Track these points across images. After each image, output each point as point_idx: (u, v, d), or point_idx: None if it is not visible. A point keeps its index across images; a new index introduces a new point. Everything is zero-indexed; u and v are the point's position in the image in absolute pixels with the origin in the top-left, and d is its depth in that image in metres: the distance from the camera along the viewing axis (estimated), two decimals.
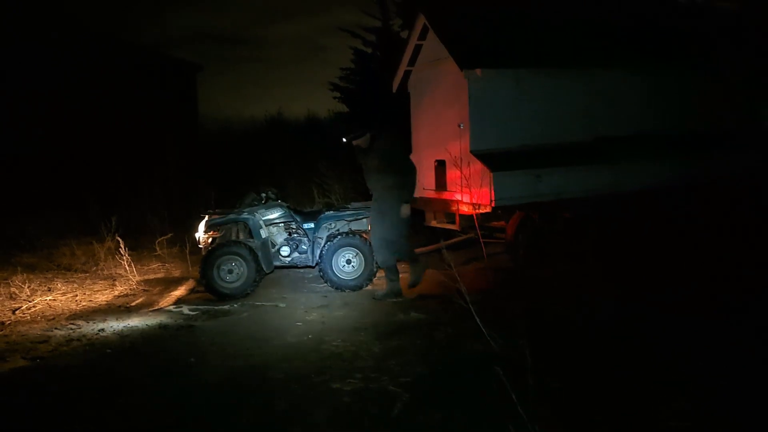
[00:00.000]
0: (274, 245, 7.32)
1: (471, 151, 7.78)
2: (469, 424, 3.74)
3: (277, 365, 4.91)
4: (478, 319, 4.96)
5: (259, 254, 7.04)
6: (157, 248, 9.37)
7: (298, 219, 7.36)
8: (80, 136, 15.23)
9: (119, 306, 6.94)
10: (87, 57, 16.32)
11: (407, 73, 9.16)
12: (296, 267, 7.60)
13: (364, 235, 7.26)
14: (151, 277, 8.34)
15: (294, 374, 4.68)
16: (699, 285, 6.22)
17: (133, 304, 6.99)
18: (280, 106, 19.27)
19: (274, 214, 7.32)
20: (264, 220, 7.26)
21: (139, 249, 9.74)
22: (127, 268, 7.90)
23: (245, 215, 7.21)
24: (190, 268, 8.46)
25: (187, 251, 8.86)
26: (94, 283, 8.02)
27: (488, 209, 7.60)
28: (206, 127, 18.10)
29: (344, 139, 7.11)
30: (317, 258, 7.22)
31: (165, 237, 9.38)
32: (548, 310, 5.95)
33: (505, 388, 3.73)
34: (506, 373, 3.83)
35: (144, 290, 7.63)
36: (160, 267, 8.94)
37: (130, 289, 7.62)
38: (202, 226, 7.25)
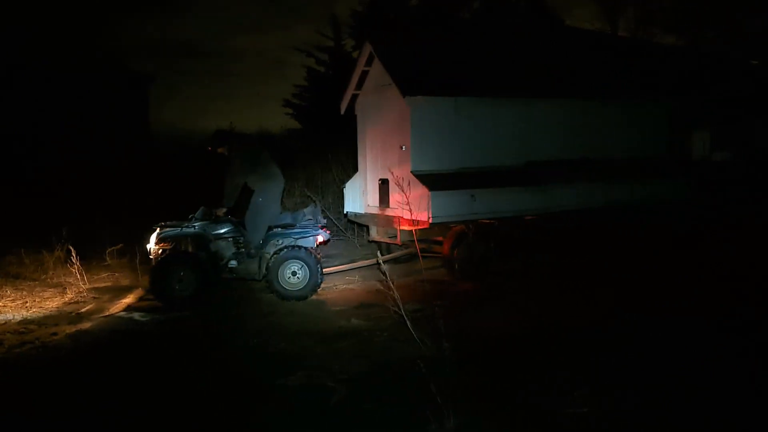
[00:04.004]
0: (222, 258, 7.68)
1: (412, 172, 8.38)
2: (396, 413, 4.25)
3: (225, 365, 5.32)
4: (410, 326, 5.50)
5: (208, 266, 7.41)
6: (107, 258, 9.58)
7: (247, 234, 7.75)
8: (27, 149, 15.17)
9: (70, 312, 7.17)
10: (31, 68, 16.28)
11: (354, 96, 9.73)
12: (244, 279, 7.97)
13: (310, 249, 7.72)
14: (101, 285, 8.56)
15: (241, 372, 5.12)
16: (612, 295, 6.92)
17: (84, 310, 7.24)
18: (232, 121, 19.47)
19: (224, 229, 7.70)
20: (214, 234, 7.63)
21: (88, 259, 9.88)
22: (78, 276, 8.11)
23: (195, 229, 7.56)
24: (140, 278, 8.72)
25: (137, 261, 9.09)
26: (43, 291, 8.20)
27: (426, 225, 8.20)
28: (159, 138, 18.22)
29: (209, 148, 7.97)
30: (264, 271, 7.62)
31: (115, 247, 9.59)
32: (475, 318, 6.53)
33: (429, 383, 4.27)
34: (432, 371, 4.38)
35: (94, 298, 7.86)
36: (110, 276, 9.16)
37: (80, 297, 7.84)
38: (153, 237, 7.57)
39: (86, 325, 6.61)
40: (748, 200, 11.95)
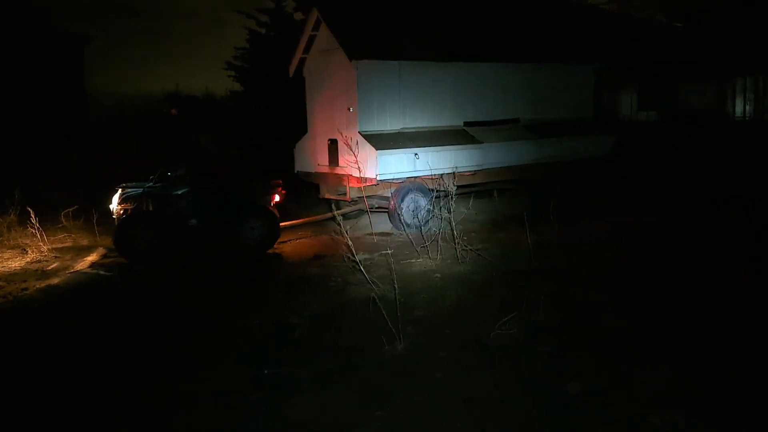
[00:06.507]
0: (183, 216, 8.08)
1: (359, 132, 8.94)
2: (354, 340, 4.92)
3: (192, 309, 5.88)
4: (363, 271, 6.15)
5: (169, 224, 7.83)
6: (63, 220, 9.78)
7: (207, 194, 8.17)
8: None
9: (35, 270, 7.48)
10: None
11: (302, 60, 10.13)
12: (205, 235, 8.39)
13: (270, 207, 8.23)
14: (60, 246, 8.81)
15: (211, 313, 5.68)
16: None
17: (50, 268, 7.55)
18: (178, 83, 19.31)
19: (184, 189, 8.09)
20: (174, 194, 8.02)
21: (43, 222, 10.02)
22: (38, 236, 8.36)
23: (157, 189, 7.94)
24: (98, 238, 9.03)
25: (94, 222, 9.37)
26: (2, 252, 8.41)
27: (374, 182, 8.83)
28: (100, 103, 18.01)
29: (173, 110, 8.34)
30: (224, 227, 8.09)
31: (70, 209, 9.79)
32: (418, 263, 7.24)
33: (383, 315, 4.95)
34: (384, 306, 5.06)
35: (55, 257, 8.15)
36: (67, 237, 9.39)
37: (42, 257, 8.11)
38: (116, 198, 7.91)
39: (54, 280, 6.97)
40: (668, 156, 13.10)
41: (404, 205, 9.01)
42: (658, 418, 3.61)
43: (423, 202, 9.10)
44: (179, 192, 8.04)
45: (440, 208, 7.62)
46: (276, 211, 8.47)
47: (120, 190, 7.93)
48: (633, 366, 4.24)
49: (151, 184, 7.97)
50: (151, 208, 8.00)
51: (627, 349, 4.52)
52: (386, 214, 9.43)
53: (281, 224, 8.60)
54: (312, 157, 10.09)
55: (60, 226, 9.85)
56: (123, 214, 7.89)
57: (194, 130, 8.15)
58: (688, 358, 4.34)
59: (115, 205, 7.91)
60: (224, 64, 20.56)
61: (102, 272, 7.40)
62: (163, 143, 9.56)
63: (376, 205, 9.41)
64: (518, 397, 3.90)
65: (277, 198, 8.45)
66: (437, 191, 9.12)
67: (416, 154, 9.03)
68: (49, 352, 4.95)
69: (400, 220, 8.85)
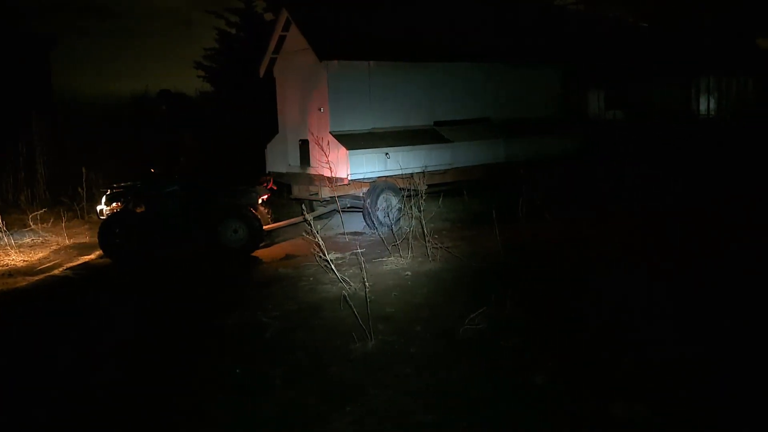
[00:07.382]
0: (168, 215, 8.02)
1: (330, 132, 8.98)
2: (324, 338, 4.97)
3: (169, 306, 5.87)
4: (334, 269, 6.19)
5: (153, 223, 7.82)
6: (30, 223, 9.65)
7: (192, 193, 8.13)
8: None
9: (2, 275, 7.38)
10: None
11: (273, 60, 10.13)
12: (189, 236, 8.33)
13: (252, 209, 8.19)
14: (29, 248, 8.70)
15: (184, 312, 5.69)
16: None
17: (17, 270, 7.47)
18: (147, 84, 19.06)
19: (171, 188, 8.03)
20: (160, 192, 7.96)
21: (10, 225, 9.90)
22: (6, 239, 8.25)
23: (142, 188, 7.92)
24: (68, 240, 8.94)
25: (63, 225, 9.27)
26: None
27: (345, 182, 8.87)
28: (73, 103, 17.70)
29: (163, 107, 8.43)
30: (207, 228, 8.05)
31: (38, 212, 9.68)
32: (389, 262, 7.31)
33: (354, 313, 5.02)
34: (355, 305, 5.12)
35: (24, 260, 8.05)
36: (33, 240, 9.27)
37: (10, 259, 8.01)
38: (104, 199, 7.89)
39: (21, 283, 6.90)
40: (636, 153, 13.38)
41: (378, 205, 9.08)
42: (620, 408, 3.74)
43: (394, 201, 9.19)
44: (165, 190, 7.97)
45: (411, 206, 7.70)
46: (267, 210, 8.49)
47: (109, 191, 7.89)
48: (597, 359, 4.37)
49: (136, 183, 7.95)
50: (137, 208, 7.99)
51: (591, 342, 4.66)
52: (357, 213, 9.50)
53: (265, 227, 8.58)
54: (283, 158, 10.10)
55: (28, 228, 9.73)
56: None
57: (184, 128, 8.13)
58: (650, 350, 4.48)
59: (104, 206, 7.88)
60: (193, 63, 20.43)
61: (70, 274, 7.33)
62: (132, 142, 9.48)
63: (349, 205, 9.46)
64: (486, 390, 3.99)
65: (265, 196, 8.44)
66: (408, 190, 9.22)
67: (387, 153, 9.11)
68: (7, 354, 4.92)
69: (374, 219, 8.92)
